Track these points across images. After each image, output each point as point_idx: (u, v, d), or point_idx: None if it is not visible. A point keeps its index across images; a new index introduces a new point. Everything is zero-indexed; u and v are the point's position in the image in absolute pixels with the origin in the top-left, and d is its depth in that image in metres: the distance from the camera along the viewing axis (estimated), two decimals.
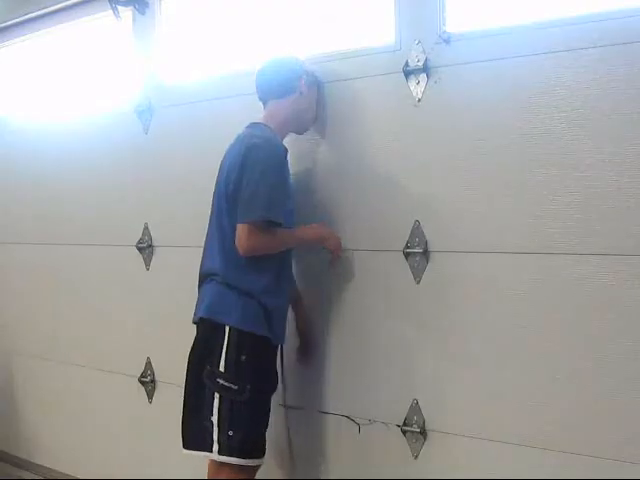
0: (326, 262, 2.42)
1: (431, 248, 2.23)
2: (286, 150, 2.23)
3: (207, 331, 2.21)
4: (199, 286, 2.32)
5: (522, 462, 2.07)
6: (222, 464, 2.18)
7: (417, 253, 2.24)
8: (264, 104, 2.35)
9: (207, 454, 2.17)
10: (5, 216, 3.73)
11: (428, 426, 2.25)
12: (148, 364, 3.05)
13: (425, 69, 2.20)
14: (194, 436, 2.21)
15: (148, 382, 3.05)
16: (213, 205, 2.30)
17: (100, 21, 3.21)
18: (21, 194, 3.63)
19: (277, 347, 2.33)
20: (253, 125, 2.28)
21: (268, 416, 2.27)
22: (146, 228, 3.03)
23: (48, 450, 3.54)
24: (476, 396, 2.16)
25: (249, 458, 2.18)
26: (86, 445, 3.33)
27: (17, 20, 3.54)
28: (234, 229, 2.14)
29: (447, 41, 2.18)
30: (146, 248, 3.03)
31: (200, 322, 2.24)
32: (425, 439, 2.26)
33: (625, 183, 1.89)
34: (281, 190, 2.18)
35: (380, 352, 2.34)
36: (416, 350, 2.27)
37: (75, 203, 3.32)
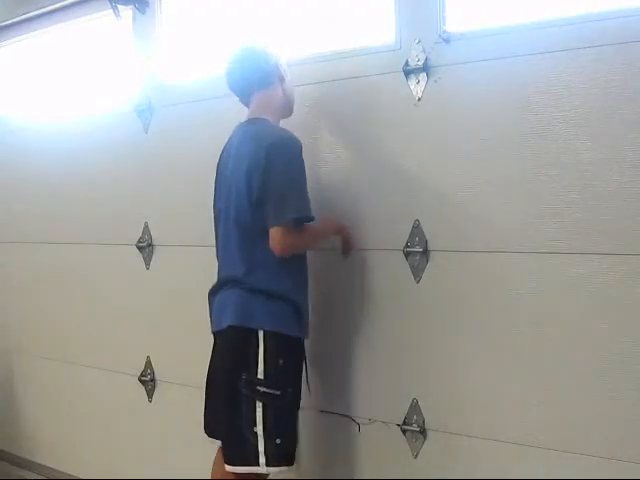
0: (326, 262, 2.42)
1: (431, 247, 2.23)
2: (301, 145, 2.17)
3: (237, 339, 2.12)
4: (214, 293, 2.25)
5: (522, 462, 2.07)
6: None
7: (417, 252, 2.24)
8: (247, 99, 2.28)
9: (255, 469, 2.07)
10: (5, 215, 3.73)
11: (428, 425, 2.26)
12: (148, 363, 3.05)
13: (425, 68, 2.20)
14: (236, 452, 2.10)
15: (148, 381, 3.05)
16: (221, 208, 2.22)
17: (100, 20, 3.21)
18: (21, 193, 3.63)
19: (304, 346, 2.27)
20: (256, 121, 2.22)
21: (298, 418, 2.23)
22: (146, 227, 3.03)
23: (48, 449, 3.54)
24: (476, 396, 2.16)
25: (292, 464, 2.12)
26: (86, 444, 3.33)
27: (17, 19, 3.53)
28: (261, 231, 2.08)
29: (447, 40, 2.18)
30: (146, 247, 3.03)
31: (227, 330, 2.14)
32: (425, 438, 2.26)
33: (625, 182, 1.89)
34: (305, 185, 2.14)
35: (380, 351, 2.35)
36: (416, 349, 2.28)
37: (75, 202, 3.32)
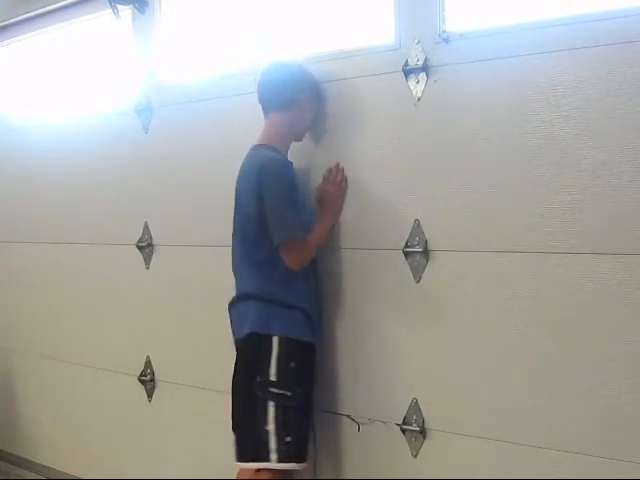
0: (326, 262, 2.42)
1: (431, 247, 2.23)
2: (291, 164, 2.30)
3: (254, 345, 2.25)
4: (233, 305, 2.36)
5: (522, 462, 2.07)
6: (259, 471, 2.20)
7: (417, 252, 2.24)
8: (266, 112, 2.35)
9: (265, 464, 2.18)
10: (5, 215, 3.73)
11: (427, 425, 2.26)
12: (148, 363, 3.05)
13: (425, 68, 2.20)
14: (249, 449, 2.22)
15: (148, 381, 3.05)
16: (235, 229, 2.34)
17: (100, 20, 3.21)
18: (21, 193, 3.63)
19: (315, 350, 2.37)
20: (258, 147, 2.30)
21: (311, 418, 2.33)
22: (146, 227, 3.03)
23: (48, 449, 3.54)
24: (475, 395, 2.16)
25: (303, 462, 2.23)
26: (85, 444, 3.33)
27: (17, 19, 3.53)
28: (267, 249, 2.20)
29: (447, 40, 2.18)
30: (146, 247, 3.03)
31: (246, 338, 2.26)
32: (424, 438, 2.27)
33: (625, 182, 1.89)
34: (297, 205, 2.25)
35: (380, 351, 2.35)
36: (416, 349, 2.28)
37: (75, 202, 3.32)
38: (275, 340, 2.21)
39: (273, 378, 2.20)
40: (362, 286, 2.38)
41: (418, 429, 2.26)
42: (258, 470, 2.21)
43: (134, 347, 3.09)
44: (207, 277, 2.79)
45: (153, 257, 3.02)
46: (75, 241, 3.33)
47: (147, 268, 3.04)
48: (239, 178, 2.31)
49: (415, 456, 2.29)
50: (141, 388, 3.07)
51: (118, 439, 3.19)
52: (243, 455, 2.25)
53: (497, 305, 2.12)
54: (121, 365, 3.14)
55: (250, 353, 2.26)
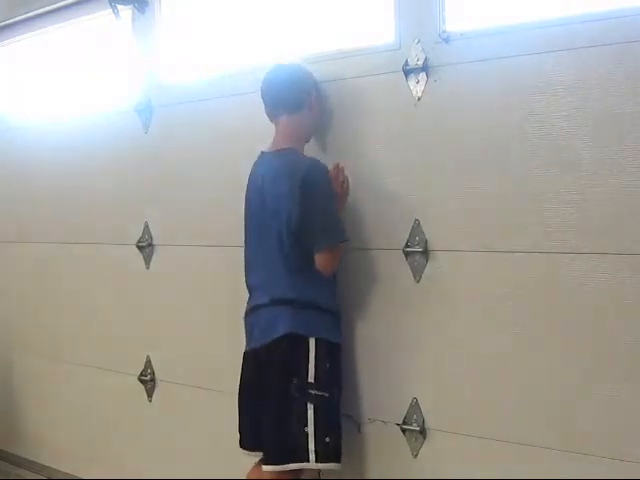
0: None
1: (431, 247, 2.23)
2: (327, 168, 2.27)
3: (289, 347, 2.23)
4: (255, 310, 2.31)
5: (522, 461, 2.07)
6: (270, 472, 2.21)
7: (417, 252, 2.24)
8: (274, 117, 2.33)
9: (305, 465, 2.19)
10: (4, 215, 3.73)
11: (428, 425, 2.26)
12: (148, 362, 3.05)
13: (425, 68, 2.20)
14: (287, 451, 2.20)
15: (148, 381, 3.05)
16: (260, 233, 2.30)
17: (100, 20, 3.21)
18: (20, 193, 3.62)
19: None
20: (285, 152, 2.27)
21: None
22: (146, 227, 3.03)
23: (48, 448, 3.54)
24: (476, 395, 2.16)
25: (340, 462, 2.23)
26: (85, 444, 3.33)
27: (17, 19, 3.53)
28: (304, 255, 2.20)
29: (447, 40, 2.18)
30: (146, 247, 3.03)
31: (281, 340, 2.22)
32: (425, 438, 2.27)
33: (625, 182, 1.89)
34: (337, 210, 2.27)
35: (379, 351, 2.35)
36: (416, 349, 2.28)
37: (74, 202, 3.32)
38: (312, 342, 2.21)
39: (311, 380, 2.19)
40: (362, 286, 2.38)
41: (418, 429, 2.26)
42: (263, 471, 2.21)
43: (134, 347, 3.09)
44: (207, 277, 2.79)
45: (153, 257, 3.02)
46: (75, 241, 3.33)
47: (147, 268, 3.04)
48: (268, 183, 2.25)
49: (415, 456, 2.29)
50: (141, 388, 3.07)
51: (118, 439, 3.19)
52: (279, 458, 2.22)
53: (497, 305, 2.12)
54: (121, 365, 3.14)
55: (285, 355, 2.23)
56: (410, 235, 2.26)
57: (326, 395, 2.20)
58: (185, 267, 2.90)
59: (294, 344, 2.22)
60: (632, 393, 1.89)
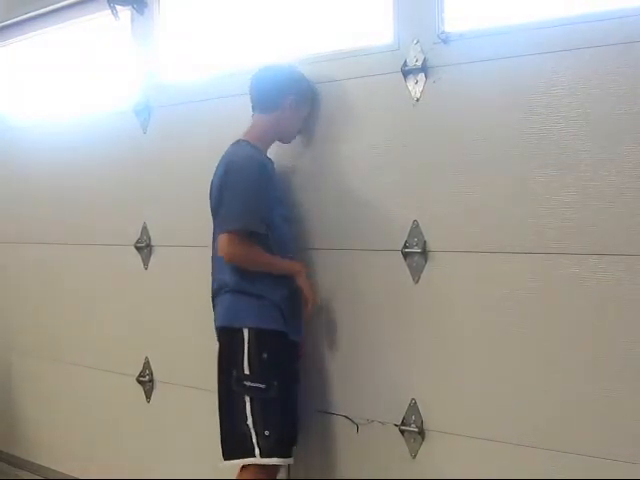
0: (324, 262, 2.42)
1: (429, 248, 2.23)
2: (266, 163, 2.30)
3: (227, 339, 2.25)
4: (213, 298, 2.36)
5: (521, 462, 2.07)
6: (245, 467, 2.19)
7: (415, 253, 2.24)
8: (252, 111, 2.40)
9: (251, 460, 2.16)
10: (3, 216, 3.72)
11: (426, 426, 2.25)
12: (146, 363, 3.05)
13: (423, 69, 2.20)
14: (234, 445, 2.20)
15: (146, 382, 3.04)
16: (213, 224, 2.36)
17: (99, 21, 3.21)
18: (19, 193, 3.62)
19: (295, 344, 2.35)
20: (235, 143, 2.33)
21: (296, 413, 2.32)
22: (145, 228, 3.03)
23: (46, 449, 3.53)
24: (474, 396, 2.16)
25: (287, 457, 2.21)
26: (84, 444, 3.33)
27: (16, 19, 3.53)
28: None
29: (445, 41, 2.17)
30: (144, 248, 3.03)
31: (219, 332, 2.28)
32: (423, 439, 2.26)
33: (624, 183, 1.89)
34: (259, 201, 2.23)
35: (378, 352, 2.34)
36: (414, 350, 2.27)
37: (73, 202, 3.32)
38: (245, 332, 2.19)
39: (246, 371, 2.16)
40: (361, 287, 2.38)
41: (417, 430, 2.25)
42: (244, 467, 2.18)
43: (133, 348, 3.09)
44: (205, 278, 2.77)
45: (151, 258, 3.02)
46: (73, 242, 3.33)
47: (145, 269, 3.04)
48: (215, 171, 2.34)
49: (414, 457, 2.28)
50: (140, 389, 3.07)
51: (117, 440, 3.19)
52: (228, 452, 2.22)
53: (496, 305, 2.11)
54: (120, 366, 3.14)
55: (224, 348, 2.25)
56: (409, 236, 2.26)
57: (261, 387, 2.16)
58: (183, 268, 2.89)
59: (230, 335, 2.23)
60: (632, 393, 1.89)
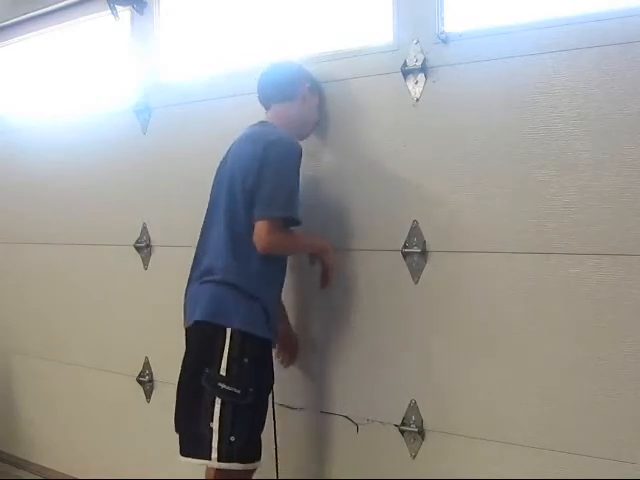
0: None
1: (429, 248, 2.23)
2: (301, 149, 2.20)
3: (205, 334, 2.13)
4: (190, 284, 2.26)
5: (521, 462, 2.07)
6: (220, 469, 2.12)
7: (415, 253, 2.24)
8: (267, 108, 2.35)
9: (205, 462, 2.10)
10: (3, 216, 3.72)
11: (426, 426, 2.25)
12: (146, 364, 3.05)
13: (423, 69, 2.20)
14: (191, 443, 2.13)
15: (146, 382, 3.04)
16: (215, 202, 2.25)
17: (98, 21, 3.21)
18: (19, 194, 3.62)
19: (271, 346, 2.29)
20: (263, 124, 2.27)
21: (265, 418, 2.23)
22: (144, 228, 3.03)
23: (46, 449, 3.53)
24: (474, 396, 2.16)
25: (249, 462, 2.12)
26: (84, 445, 3.33)
27: (16, 19, 3.53)
28: (250, 227, 2.10)
29: (445, 41, 2.17)
30: (144, 248, 3.03)
31: (195, 325, 2.16)
32: (423, 439, 2.26)
33: (624, 183, 1.89)
34: (298, 189, 2.16)
35: (378, 352, 2.34)
36: (414, 350, 2.27)
37: (73, 203, 3.32)
38: (229, 332, 2.08)
39: (223, 373, 2.06)
40: (360, 287, 2.37)
41: (417, 430, 2.25)
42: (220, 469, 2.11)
43: (132, 348, 3.09)
44: None
45: (151, 258, 3.02)
46: (73, 242, 3.32)
47: (145, 269, 3.03)
48: (233, 151, 2.22)
49: (414, 457, 2.28)
50: (139, 389, 3.07)
51: (116, 440, 3.18)
52: (185, 449, 2.15)
53: (496, 306, 2.11)
54: (119, 366, 3.14)
55: (199, 342, 2.14)
56: (408, 236, 2.25)
57: (237, 392, 2.06)
58: (183, 268, 2.87)
59: (209, 331, 2.11)
60: (632, 394, 1.89)
